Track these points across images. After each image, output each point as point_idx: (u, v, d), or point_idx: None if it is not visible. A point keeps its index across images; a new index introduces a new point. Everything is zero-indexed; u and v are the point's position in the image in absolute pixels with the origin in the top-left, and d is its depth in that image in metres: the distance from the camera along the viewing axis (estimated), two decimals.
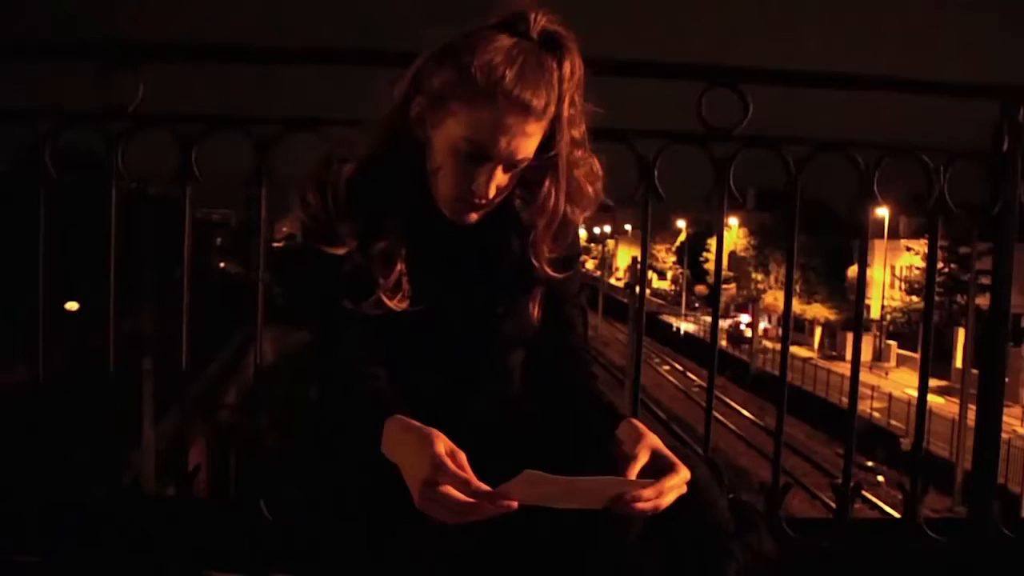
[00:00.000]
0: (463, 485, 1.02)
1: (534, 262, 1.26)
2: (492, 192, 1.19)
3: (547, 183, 1.24)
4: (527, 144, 1.17)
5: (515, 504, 1.01)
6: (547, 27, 1.18)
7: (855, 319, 2.26)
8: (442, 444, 1.05)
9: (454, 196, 1.21)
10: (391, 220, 1.22)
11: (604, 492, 1.06)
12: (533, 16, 1.17)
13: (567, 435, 1.25)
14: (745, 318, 38.47)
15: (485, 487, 1.02)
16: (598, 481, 1.07)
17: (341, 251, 1.21)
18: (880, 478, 18.37)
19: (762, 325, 37.53)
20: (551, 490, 1.03)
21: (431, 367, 1.25)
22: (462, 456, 1.05)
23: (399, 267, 1.21)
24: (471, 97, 1.14)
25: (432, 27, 1.21)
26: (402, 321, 1.22)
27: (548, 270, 1.27)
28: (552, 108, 1.17)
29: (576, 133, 1.22)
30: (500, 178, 1.19)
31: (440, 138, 1.19)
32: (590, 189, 1.28)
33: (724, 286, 35.59)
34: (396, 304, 1.21)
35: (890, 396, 22.02)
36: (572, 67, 1.18)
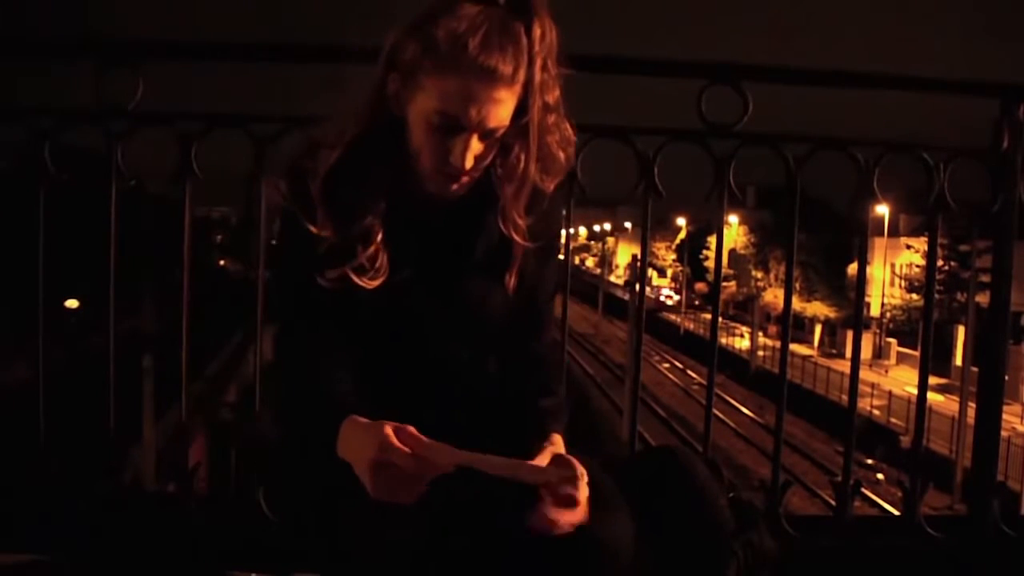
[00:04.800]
0: (408, 458, 1.02)
1: (502, 228, 1.24)
2: (469, 162, 1.17)
3: (517, 148, 1.21)
4: (499, 111, 1.15)
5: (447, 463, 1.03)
6: None
7: (855, 317, 2.26)
8: (388, 425, 1.05)
9: (434, 169, 1.19)
10: (373, 200, 1.21)
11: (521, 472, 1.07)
12: None
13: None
14: (666, 291, 51.25)
15: (427, 447, 1.03)
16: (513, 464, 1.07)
17: (324, 232, 1.20)
18: (880, 476, 18.38)
19: (666, 291, 49.81)
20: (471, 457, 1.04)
21: (403, 346, 1.24)
22: (410, 428, 1.05)
23: (377, 242, 1.20)
24: (438, 68, 1.12)
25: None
26: (377, 299, 1.21)
27: (516, 237, 1.25)
28: (522, 73, 1.14)
29: (549, 98, 1.20)
30: (476, 147, 1.16)
31: (415, 113, 1.17)
32: (562, 155, 1.26)
33: (724, 284, 35.65)
34: (371, 280, 1.20)
35: (890, 394, 22.03)
36: (542, 31, 1.15)
